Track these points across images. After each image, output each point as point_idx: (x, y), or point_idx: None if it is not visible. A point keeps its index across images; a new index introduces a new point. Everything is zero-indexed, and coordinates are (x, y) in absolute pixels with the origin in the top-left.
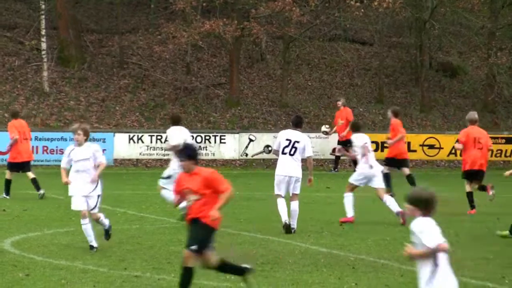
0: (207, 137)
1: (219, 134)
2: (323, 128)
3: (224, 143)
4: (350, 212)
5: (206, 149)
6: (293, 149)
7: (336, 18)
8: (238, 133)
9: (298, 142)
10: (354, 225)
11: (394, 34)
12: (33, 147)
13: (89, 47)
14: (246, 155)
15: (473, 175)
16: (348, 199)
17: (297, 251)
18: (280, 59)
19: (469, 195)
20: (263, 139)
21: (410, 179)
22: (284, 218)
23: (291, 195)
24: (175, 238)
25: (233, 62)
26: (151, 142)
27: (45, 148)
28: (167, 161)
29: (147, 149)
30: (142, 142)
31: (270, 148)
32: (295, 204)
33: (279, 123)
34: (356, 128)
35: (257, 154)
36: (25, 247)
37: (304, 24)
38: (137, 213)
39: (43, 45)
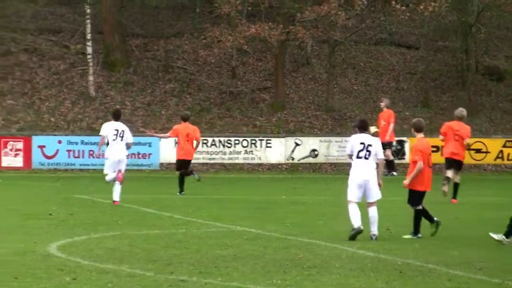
0: (253, 141)
1: (265, 138)
2: (373, 129)
3: (270, 147)
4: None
5: (252, 153)
6: (367, 153)
7: (381, 22)
8: (284, 137)
9: (371, 145)
10: (401, 229)
11: (440, 38)
12: (79, 151)
13: (134, 51)
14: (292, 159)
15: (452, 163)
16: None
17: (344, 255)
18: (325, 63)
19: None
20: (309, 143)
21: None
22: (357, 224)
23: (369, 200)
24: (222, 242)
25: (278, 66)
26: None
27: (91, 153)
28: (213, 165)
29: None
30: None
31: (316, 152)
32: (374, 210)
33: (325, 127)
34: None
35: (303, 158)
36: (71, 251)
37: (349, 28)
38: (183, 217)
39: (89, 49)
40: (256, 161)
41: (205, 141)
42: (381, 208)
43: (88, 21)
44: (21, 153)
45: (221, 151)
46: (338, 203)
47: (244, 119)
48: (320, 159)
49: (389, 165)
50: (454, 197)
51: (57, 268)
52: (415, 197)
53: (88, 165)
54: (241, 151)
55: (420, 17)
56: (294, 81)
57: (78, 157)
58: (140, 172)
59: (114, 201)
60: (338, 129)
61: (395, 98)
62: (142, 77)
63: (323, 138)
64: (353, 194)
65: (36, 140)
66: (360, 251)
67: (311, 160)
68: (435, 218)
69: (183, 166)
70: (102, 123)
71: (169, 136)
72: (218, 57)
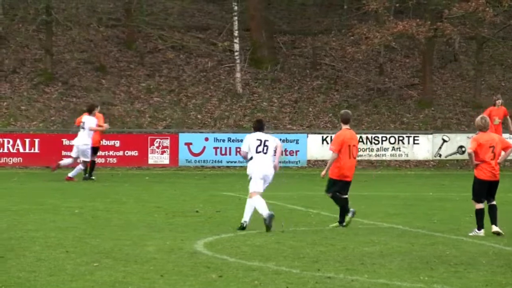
0: (401, 138)
1: (412, 135)
2: None
3: (418, 143)
4: None
5: (399, 150)
6: (265, 148)
7: None
8: (431, 133)
9: (267, 141)
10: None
11: None
12: (226, 148)
13: (281, 48)
14: (440, 156)
15: None
16: None
17: (490, 252)
18: (473, 60)
19: None
20: (456, 139)
21: None
22: (266, 212)
23: (261, 190)
24: (368, 239)
25: (426, 62)
26: None
27: (238, 150)
28: (360, 162)
29: None
30: None
31: (463, 149)
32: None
33: (472, 124)
34: None
35: (450, 155)
36: (218, 248)
37: (497, 25)
38: (331, 214)
39: (236, 47)
40: (403, 157)
41: None
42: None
43: (235, 18)
44: (167, 151)
45: (369, 148)
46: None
47: (392, 115)
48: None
49: None
50: None
51: (203, 266)
52: (329, 185)
53: (234, 162)
54: (388, 148)
55: None
56: (441, 78)
57: (225, 154)
58: (288, 169)
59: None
60: None
61: None
62: (289, 74)
63: (470, 135)
64: (257, 186)
65: (183, 138)
66: (507, 247)
67: (458, 156)
68: (351, 209)
69: None
70: (249, 120)
71: None
72: (365, 54)
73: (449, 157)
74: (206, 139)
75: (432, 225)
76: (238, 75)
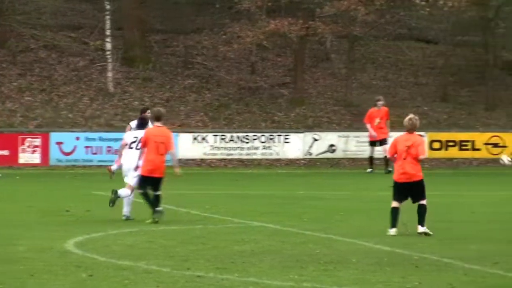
0: (271, 137)
1: (283, 134)
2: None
3: (289, 142)
4: None
5: (270, 149)
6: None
7: (401, 17)
8: (302, 132)
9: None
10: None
11: (459, 32)
12: (97, 147)
13: (154, 47)
14: (310, 154)
15: None
16: None
17: (360, 250)
18: (345, 58)
19: None
20: (327, 138)
21: None
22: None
23: None
24: (239, 238)
25: (298, 61)
26: (215, 142)
27: (109, 149)
28: (231, 161)
29: (211, 149)
30: (207, 142)
31: (334, 148)
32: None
33: (343, 122)
34: None
35: (321, 153)
36: (88, 247)
37: (369, 23)
38: (201, 213)
39: (108, 46)
40: (274, 156)
41: (223, 137)
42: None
43: (108, 17)
44: (38, 150)
45: (239, 147)
46: (355, 198)
47: (263, 114)
48: (338, 154)
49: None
50: None
51: (74, 265)
52: (139, 181)
53: (106, 161)
54: (259, 147)
55: (440, 12)
56: (313, 77)
57: (96, 153)
58: None
59: None
60: (357, 124)
61: (414, 93)
62: (161, 73)
63: (341, 133)
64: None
65: (54, 137)
66: (376, 246)
67: (329, 155)
68: (158, 209)
69: None
70: (120, 119)
71: None
72: (237, 53)
73: (320, 156)
74: (78, 138)
75: (303, 223)
76: (110, 74)
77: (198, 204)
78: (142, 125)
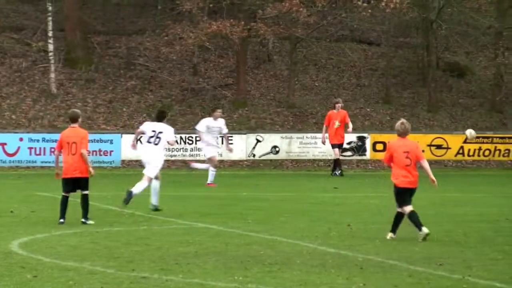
0: None
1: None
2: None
3: (232, 143)
4: None
5: None
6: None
7: (343, 18)
8: (245, 133)
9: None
10: (362, 226)
11: (401, 34)
12: (40, 148)
13: (96, 49)
14: (254, 156)
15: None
16: None
17: (305, 251)
18: (287, 60)
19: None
20: (270, 139)
21: None
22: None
23: None
24: (183, 239)
25: (240, 63)
26: None
27: (53, 150)
28: (174, 162)
29: None
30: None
31: (277, 149)
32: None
33: (286, 124)
34: None
35: (264, 155)
36: (33, 248)
37: (311, 25)
38: (145, 214)
39: (50, 47)
40: (218, 157)
41: None
42: (342, 205)
43: (50, 18)
44: None
45: (183, 148)
46: (299, 200)
47: (206, 116)
48: (281, 155)
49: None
50: None
51: (18, 266)
52: (62, 183)
53: (49, 162)
54: (202, 148)
55: (382, 14)
56: (255, 78)
57: (40, 154)
58: (102, 169)
59: None
60: (299, 126)
61: (356, 94)
62: (103, 74)
63: (284, 135)
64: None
65: None
66: (321, 247)
67: (272, 156)
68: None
69: None
70: (63, 120)
71: None
72: (179, 54)
73: (263, 157)
74: (21, 139)
75: (247, 225)
76: (52, 75)
77: (142, 205)
78: (160, 118)
